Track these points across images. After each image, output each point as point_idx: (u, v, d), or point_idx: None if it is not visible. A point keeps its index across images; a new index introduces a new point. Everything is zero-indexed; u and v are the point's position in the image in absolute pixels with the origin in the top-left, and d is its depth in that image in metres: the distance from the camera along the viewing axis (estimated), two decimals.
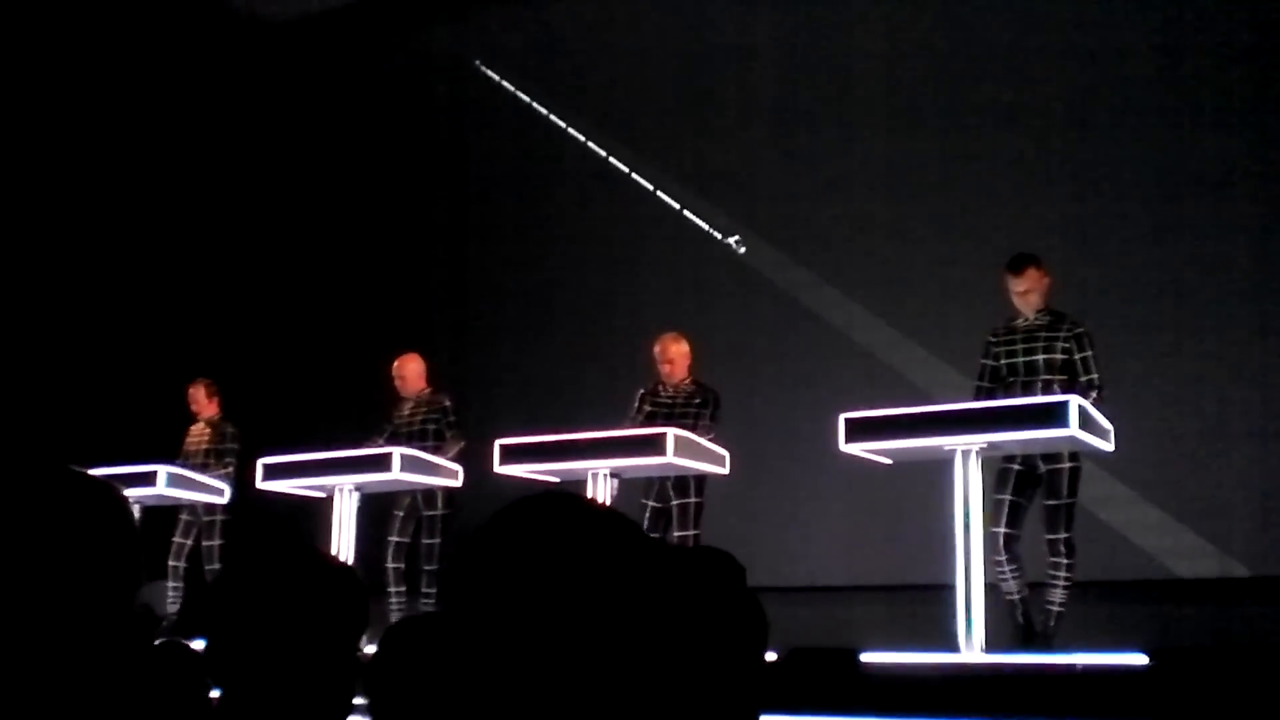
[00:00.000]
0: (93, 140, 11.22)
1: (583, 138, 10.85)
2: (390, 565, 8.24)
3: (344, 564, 2.25)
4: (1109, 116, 8.71)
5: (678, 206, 10.29)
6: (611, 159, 10.68)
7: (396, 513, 8.31)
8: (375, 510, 8.23)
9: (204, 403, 9.20)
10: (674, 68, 10.47)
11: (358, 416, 8.83)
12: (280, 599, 2.01)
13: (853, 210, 9.49)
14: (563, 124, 10.98)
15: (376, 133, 11.98)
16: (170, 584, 8.88)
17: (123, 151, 11.42)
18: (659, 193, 10.39)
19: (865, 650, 6.02)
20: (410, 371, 8.50)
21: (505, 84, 11.38)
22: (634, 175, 10.54)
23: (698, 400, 7.51)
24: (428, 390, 8.50)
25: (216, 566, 8.84)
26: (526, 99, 11.20)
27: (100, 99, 11.24)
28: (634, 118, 10.65)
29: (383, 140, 11.92)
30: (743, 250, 10.09)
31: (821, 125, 9.78)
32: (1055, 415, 5.80)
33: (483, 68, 11.53)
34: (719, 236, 10.20)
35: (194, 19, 11.83)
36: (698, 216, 10.27)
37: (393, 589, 8.19)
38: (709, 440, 7.12)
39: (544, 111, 11.09)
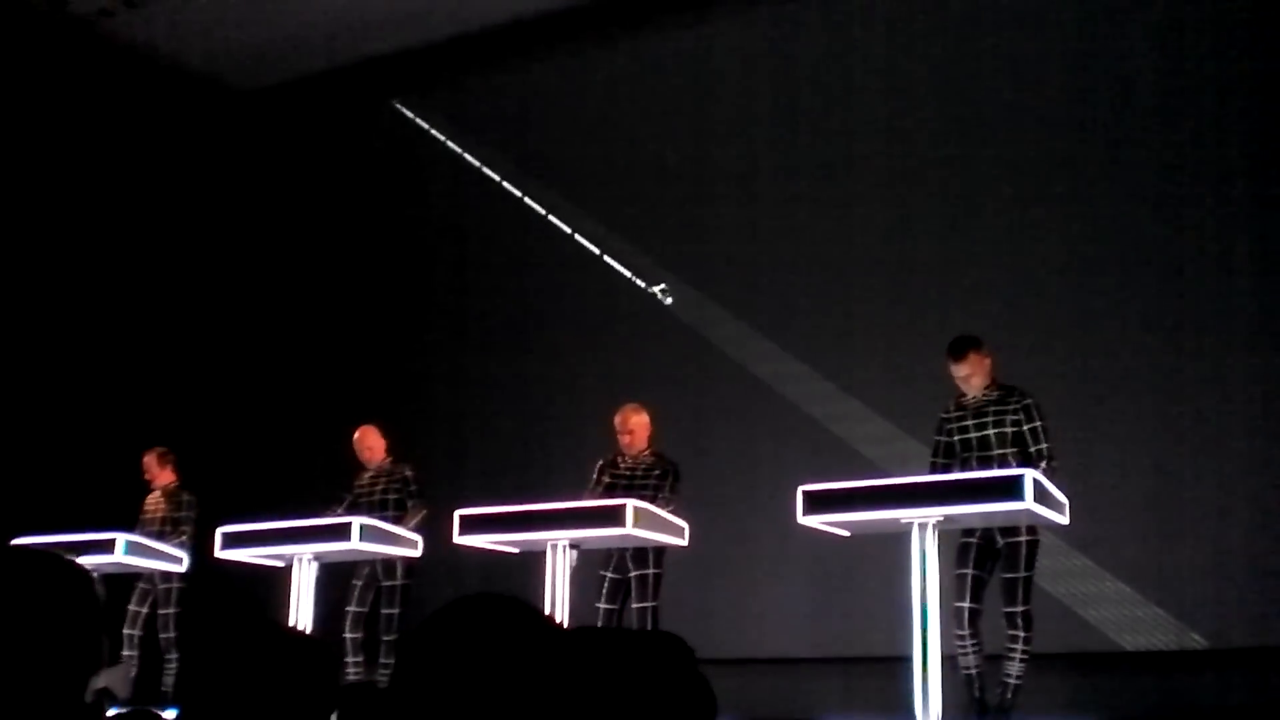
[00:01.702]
0: (52, 205, 11.20)
1: (544, 210, 10.89)
2: (348, 635, 8.20)
3: (313, 637, 2.26)
4: (1109, 124, 8.77)
5: (641, 283, 10.32)
6: (571, 230, 10.72)
7: (355, 582, 8.29)
8: (334, 579, 8.21)
9: (157, 471, 9.15)
10: (638, 140, 10.52)
11: (319, 485, 8.81)
12: (253, 673, 2.02)
13: (816, 282, 9.53)
14: (526, 197, 11.02)
15: (339, 202, 12.00)
16: (125, 652, 8.81)
17: (83, 215, 11.40)
18: (622, 268, 10.44)
19: None
20: (371, 442, 8.51)
21: (467, 155, 11.43)
22: (594, 248, 10.58)
23: (657, 472, 7.52)
24: (388, 460, 8.51)
25: (172, 635, 8.81)
26: (495, 174, 11.23)
27: (61, 165, 11.24)
28: (597, 189, 10.69)
29: (345, 209, 11.94)
30: (669, 301, 10.18)
31: (782, 198, 9.84)
32: (1011, 488, 5.85)
33: (447, 141, 11.58)
34: (642, 285, 10.29)
35: (161, 87, 11.86)
36: (659, 289, 10.32)
37: (350, 659, 8.15)
38: (668, 512, 7.13)
39: (512, 188, 11.13)
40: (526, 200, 10.99)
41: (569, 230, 10.75)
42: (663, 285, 10.21)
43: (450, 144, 11.55)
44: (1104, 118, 8.74)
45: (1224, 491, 7.97)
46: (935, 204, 9.20)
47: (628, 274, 10.39)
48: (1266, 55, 8.28)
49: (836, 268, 9.50)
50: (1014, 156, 8.95)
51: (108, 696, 8.24)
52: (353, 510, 8.15)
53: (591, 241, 10.62)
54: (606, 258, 10.53)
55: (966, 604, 6.49)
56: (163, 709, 7.40)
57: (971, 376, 6.65)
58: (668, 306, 10.13)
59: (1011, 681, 6.41)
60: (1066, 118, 8.86)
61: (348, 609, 8.24)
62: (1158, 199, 8.48)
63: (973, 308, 8.53)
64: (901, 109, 9.48)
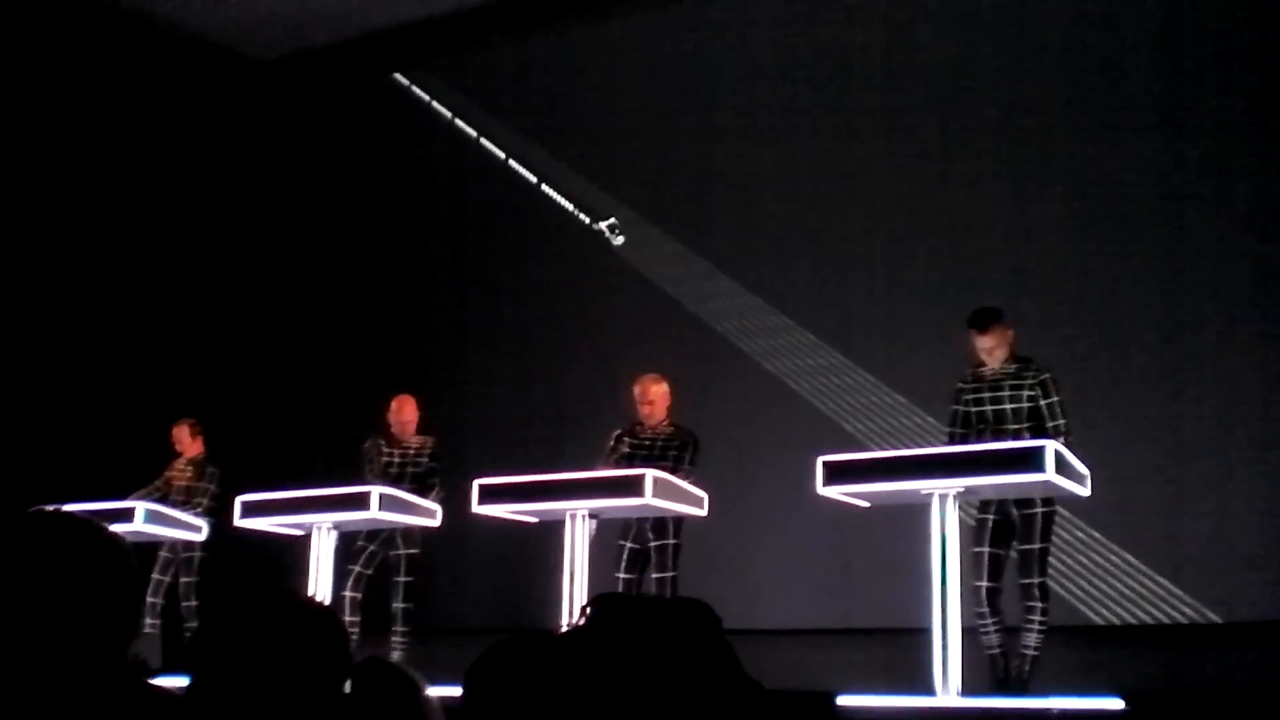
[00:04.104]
0: (77, 177, 11.22)
1: (559, 197, 10.87)
2: (348, 594, 8.13)
3: (325, 607, 2.25)
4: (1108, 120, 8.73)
5: (655, 253, 10.30)
6: (574, 207, 10.72)
7: (362, 544, 8.22)
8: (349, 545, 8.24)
9: (188, 442, 9.26)
10: (651, 112, 10.49)
11: (343, 457, 8.82)
12: (261, 643, 2.01)
13: (837, 257, 9.52)
14: (545, 185, 11.01)
15: (357, 175, 11.98)
16: (149, 620, 8.87)
17: (108, 188, 11.43)
18: (621, 237, 10.43)
19: (842, 694, 6.03)
20: (408, 414, 8.49)
21: (471, 130, 11.43)
22: (602, 227, 10.58)
23: (677, 443, 7.53)
24: (416, 433, 8.51)
25: (193, 603, 8.87)
26: (507, 148, 11.22)
27: (84, 136, 11.26)
28: (611, 164, 10.67)
29: (365, 183, 11.92)
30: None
31: (784, 185, 9.80)
32: (1032, 460, 5.84)
33: (455, 118, 11.57)
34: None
35: (179, 59, 11.85)
36: (605, 225, 10.36)
37: (346, 617, 8.10)
38: (688, 483, 7.14)
39: (525, 165, 11.12)
40: (544, 188, 10.97)
41: (571, 207, 10.75)
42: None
43: (455, 116, 11.54)
44: (1104, 109, 8.73)
45: (1240, 466, 7.96)
46: (936, 187, 9.17)
47: (654, 252, 10.39)
48: (1266, 52, 8.27)
49: (843, 243, 9.49)
50: (1017, 127, 8.93)
51: (142, 666, 8.27)
52: (383, 482, 8.12)
53: (596, 214, 10.63)
54: (600, 226, 10.54)
55: (984, 583, 6.49)
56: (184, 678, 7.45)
57: (995, 349, 6.62)
58: (679, 282, 10.11)
59: (1029, 653, 6.41)
60: (1067, 105, 8.83)
61: (350, 567, 8.17)
62: (1159, 173, 8.47)
63: (979, 282, 8.48)
64: (901, 85, 9.45)
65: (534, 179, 11.00)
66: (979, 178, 9.03)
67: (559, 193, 10.85)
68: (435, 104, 11.71)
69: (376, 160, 11.91)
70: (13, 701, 1.66)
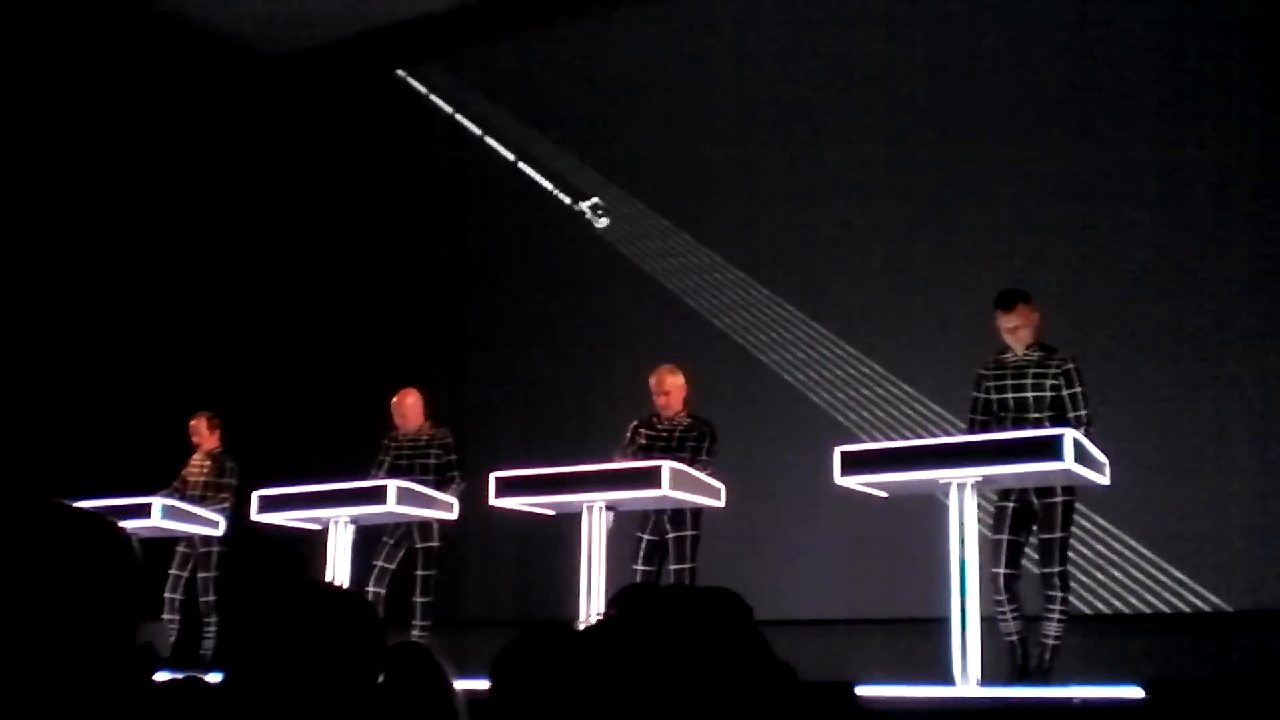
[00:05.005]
0: (92, 170, 11.22)
1: (560, 193, 10.87)
2: (373, 589, 8.12)
3: (356, 594, 2.24)
4: (1109, 117, 8.72)
5: (659, 246, 10.28)
6: (572, 200, 10.71)
7: (385, 539, 8.24)
8: (370, 541, 8.23)
9: (206, 434, 9.24)
10: (654, 105, 10.48)
11: (357, 450, 8.82)
12: (297, 633, 2.01)
13: (843, 249, 9.50)
14: (538, 168, 11.02)
15: (373, 168, 11.99)
16: (166, 615, 8.87)
17: (123, 182, 11.42)
18: (605, 219, 10.44)
19: (861, 684, 6.02)
20: (409, 407, 8.49)
21: (473, 125, 11.43)
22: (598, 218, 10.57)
23: (695, 434, 7.50)
24: (426, 424, 8.50)
25: (211, 599, 8.85)
26: (501, 145, 11.23)
27: (96, 129, 11.26)
28: (615, 158, 10.66)
29: (379, 176, 11.93)
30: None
31: (799, 167, 9.79)
32: (1050, 448, 5.82)
33: (457, 113, 11.58)
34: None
35: (184, 53, 11.85)
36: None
37: None
38: (705, 474, 7.12)
39: (522, 159, 11.12)
40: (545, 183, 10.97)
41: (573, 202, 10.75)
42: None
43: (457, 111, 11.56)
44: (1106, 106, 8.72)
45: (1259, 454, 7.93)
46: (972, 148, 9.14)
47: (673, 243, 10.38)
48: (1268, 52, 8.25)
49: (848, 234, 9.48)
50: (1021, 114, 8.92)
51: (151, 652, 8.27)
52: (391, 474, 8.13)
53: (582, 195, 10.66)
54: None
55: (1003, 570, 6.45)
56: (202, 673, 7.45)
57: (1019, 329, 6.56)
58: (684, 275, 10.09)
59: (1050, 642, 6.38)
60: (1068, 100, 8.83)
61: (374, 563, 8.17)
62: (1160, 171, 8.46)
63: (983, 272, 8.45)
64: (898, 81, 9.45)
65: (534, 173, 10.99)
66: (981, 168, 9.01)
67: (561, 187, 10.84)
68: (438, 99, 11.72)
69: (381, 155, 11.92)
70: (13, 692, 1.66)
